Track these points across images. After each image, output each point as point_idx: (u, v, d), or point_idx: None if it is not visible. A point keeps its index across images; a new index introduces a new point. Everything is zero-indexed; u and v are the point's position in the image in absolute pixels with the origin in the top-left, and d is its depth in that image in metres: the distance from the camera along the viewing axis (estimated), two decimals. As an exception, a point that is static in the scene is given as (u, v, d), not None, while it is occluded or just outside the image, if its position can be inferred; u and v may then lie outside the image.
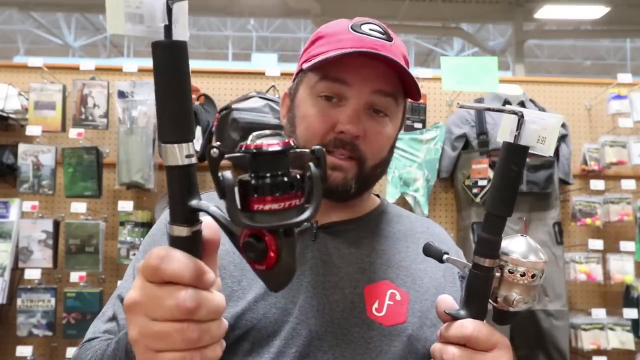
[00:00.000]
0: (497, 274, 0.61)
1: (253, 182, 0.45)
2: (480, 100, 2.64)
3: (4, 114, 2.52)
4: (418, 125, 2.65)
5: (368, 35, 0.78)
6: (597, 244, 2.59)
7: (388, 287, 0.77)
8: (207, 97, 2.58)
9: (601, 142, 2.68)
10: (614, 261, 2.59)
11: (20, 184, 2.47)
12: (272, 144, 0.45)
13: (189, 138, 0.46)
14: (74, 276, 2.42)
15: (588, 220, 2.61)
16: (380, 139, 0.79)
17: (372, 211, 0.87)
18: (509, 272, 0.61)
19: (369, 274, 0.78)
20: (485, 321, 0.63)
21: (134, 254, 2.46)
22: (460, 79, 2.42)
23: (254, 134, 0.47)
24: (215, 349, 0.47)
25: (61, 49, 12.35)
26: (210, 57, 13.69)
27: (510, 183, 0.60)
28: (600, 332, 2.53)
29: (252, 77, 2.75)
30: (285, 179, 0.45)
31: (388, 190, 2.57)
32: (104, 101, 2.52)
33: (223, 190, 0.45)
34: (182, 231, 0.46)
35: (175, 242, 0.46)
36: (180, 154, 0.46)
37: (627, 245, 2.57)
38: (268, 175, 0.45)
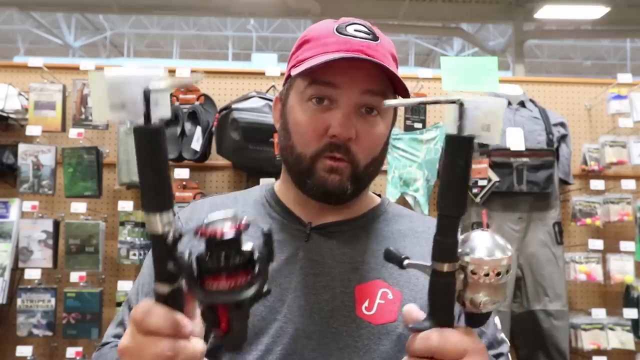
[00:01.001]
0: (461, 276, 0.57)
1: (207, 263, 0.51)
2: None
3: (4, 114, 2.52)
4: (418, 125, 2.65)
5: (353, 37, 0.78)
6: (597, 244, 2.59)
7: (380, 286, 0.78)
8: (207, 97, 2.58)
9: (601, 142, 2.68)
10: (614, 261, 2.59)
11: (20, 184, 2.47)
12: (225, 232, 0.50)
13: (167, 207, 0.51)
14: (74, 276, 2.42)
15: (588, 220, 2.61)
16: (372, 139, 0.80)
17: (369, 211, 0.88)
18: (472, 273, 0.56)
19: (361, 273, 0.79)
20: (458, 325, 0.60)
21: (134, 254, 2.47)
22: (460, 79, 2.42)
23: (210, 217, 0.52)
24: None
25: (61, 49, 12.35)
26: (210, 57, 13.70)
27: (459, 179, 0.55)
28: (600, 332, 2.53)
29: (252, 77, 2.75)
30: (236, 260, 0.51)
31: (388, 190, 2.57)
32: (104, 101, 2.52)
33: (181, 271, 0.51)
34: (164, 288, 0.52)
35: (159, 297, 0.53)
36: (161, 222, 0.51)
37: (627, 245, 2.57)
38: (220, 258, 0.51)
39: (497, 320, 0.82)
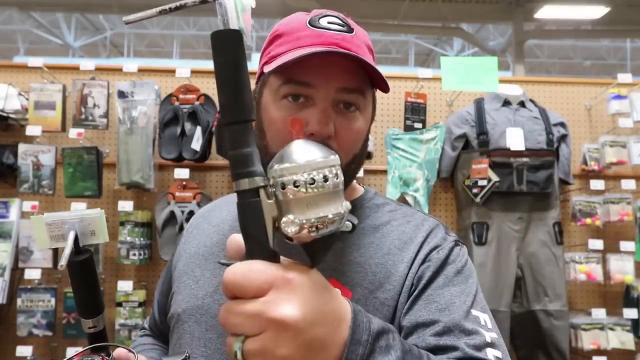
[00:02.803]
0: (269, 200, 0.46)
1: None
2: (480, 100, 2.64)
3: (4, 114, 2.52)
4: (418, 125, 2.65)
5: (327, 29, 0.75)
6: (597, 244, 2.59)
7: (333, 285, 0.75)
8: (207, 97, 2.58)
9: (601, 142, 2.68)
10: (614, 261, 2.59)
11: (20, 184, 2.47)
12: None
13: (96, 315, 0.65)
14: (74, 276, 2.42)
15: (588, 220, 2.61)
16: (351, 135, 0.77)
17: None
18: (281, 187, 0.46)
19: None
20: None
21: (134, 254, 2.47)
22: (460, 79, 2.42)
23: (82, 354, 0.65)
24: None
25: (61, 49, 12.35)
26: (210, 57, 13.62)
27: (231, 78, 0.47)
28: (600, 332, 2.53)
29: (252, 77, 2.73)
30: None
31: (388, 190, 2.57)
32: (104, 101, 2.52)
33: None
34: None
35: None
36: (93, 324, 0.65)
37: (627, 245, 2.57)
38: None
39: (481, 314, 0.71)
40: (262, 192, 0.46)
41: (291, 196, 0.45)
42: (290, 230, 0.45)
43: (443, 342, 0.66)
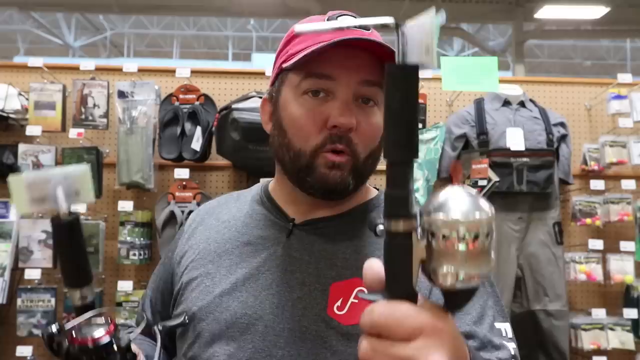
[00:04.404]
0: (424, 242, 0.46)
1: None
2: (480, 100, 2.63)
3: (4, 114, 2.52)
4: (418, 125, 2.64)
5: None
6: (597, 244, 2.59)
7: (357, 285, 0.75)
8: (207, 97, 2.58)
9: (601, 142, 2.68)
10: (614, 261, 2.59)
11: (20, 184, 2.47)
12: (98, 338, 0.57)
13: (84, 284, 0.58)
14: (74, 276, 2.42)
15: (588, 220, 2.61)
16: (371, 130, 0.77)
17: (360, 205, 0.84)
18: (441, 236, 0.44)
19: (340, 270, 0.77)
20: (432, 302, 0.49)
21: (134, 254, 2.47)
22: (460, 79, 2.42)
23: (83, 324, 0.58)
24: None
25: (61, 49, 12.35)
26: (210, 57, 13.69)
27: (403, 116, 0.46)
28: (600, 332, 2.53)
29: (252, 77, 2.75)
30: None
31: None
32: (104, 101, 2.52)
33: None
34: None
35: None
36: (81, 295, 0.58)
37: (627, 245, 2.57)
38: None
39: (502, 325, 0.74)
40: (413, 235, 0.46)
41: (450, 249, 0.45)
42: (445, 281, 0.45)
43: (484, 355, 0.69)
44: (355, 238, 0.80)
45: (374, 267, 0.49)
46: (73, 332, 0.57)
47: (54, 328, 0.59)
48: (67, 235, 0.57)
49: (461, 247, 0.44)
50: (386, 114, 0.46)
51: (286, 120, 0.78)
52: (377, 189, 0.91)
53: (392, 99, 0.46)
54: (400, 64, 0.45)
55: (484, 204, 0.46)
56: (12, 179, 0.55)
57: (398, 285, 0.47)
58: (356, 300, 0.74)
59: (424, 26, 0.42)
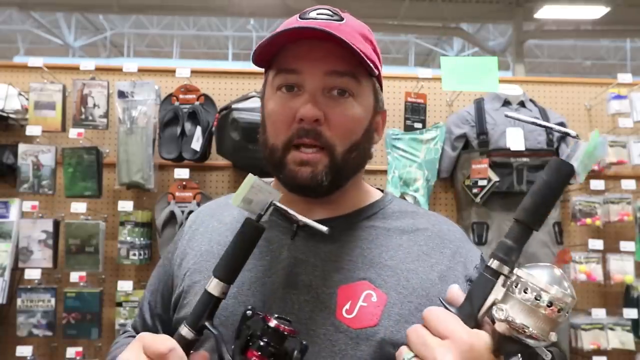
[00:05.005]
0: (503, 287, 0.57)
1: (258, 342, 0.63)
2: (480, 100, 2.63)
3: (4, 114, 2.52)
4: (418, 125, 2.65)
5: (315, 19, 0.76)
6: (597, 244, 2.59)
7: (365, 288, 0.74)
8: (207, 97, 2.58)
9: (601, 142, 2.68)
10: (614, 261, 2.59)
11: (20, 184, 2.47)
12: (285, 328, 0.63)
13: (231, 282, 0.65)
14: (74, 276, 2.42)
15: (588, 220, 2.61)
16: (345, 121, 0.75)
17: (365, 207, 0.84)
18: (524, 291, 0.55)
19: (347, 273, 0.76)
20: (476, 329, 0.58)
21: (134, 254, 2.47)
22: (460, 79, 2.42)
23: (275, 317, 0.64)
24: None
25: (61, 49, 12.35)
26: (210, 57, 13.70)
27: (549, 199, 0.58)
28: (600, 332, 2.53)
29: (252, 77, 2.75)
30: (273, 350, 0.63)
31: (388, 190, 2.57)
32: (104, 101, 2.52)
33: (220, 334, 0.64)
34: (189, 334, 0.64)
35: (180, 339, 0.63)
36: (221, 289, 0.65)
37: (627, 245, 2.57)
38: (270, 344, 0.62)
39: None
40: (501, 277, 0.58)
41: (524, 302, 0.55)
42: (497, 315, 0.56)
43: None
44: (361, 240, 0.79)
45: (454, 288, 0.63)
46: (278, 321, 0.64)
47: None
48: (253, 237, 0.65)
49: (533, 305, 0.55)
50: (539, 190, 0.58)
51: (265, 117, 0.80)
52: (382, 191, 0.90)
53: (547, 183, 0.58)
54: (564, 161, 0.58)
55: (571, 288, 0.56)
56: (250, 175, 0.65)
57: (468, 307, 0.59)
58: (365, 304, 0.73)
59: (594, 153, 0.54)
